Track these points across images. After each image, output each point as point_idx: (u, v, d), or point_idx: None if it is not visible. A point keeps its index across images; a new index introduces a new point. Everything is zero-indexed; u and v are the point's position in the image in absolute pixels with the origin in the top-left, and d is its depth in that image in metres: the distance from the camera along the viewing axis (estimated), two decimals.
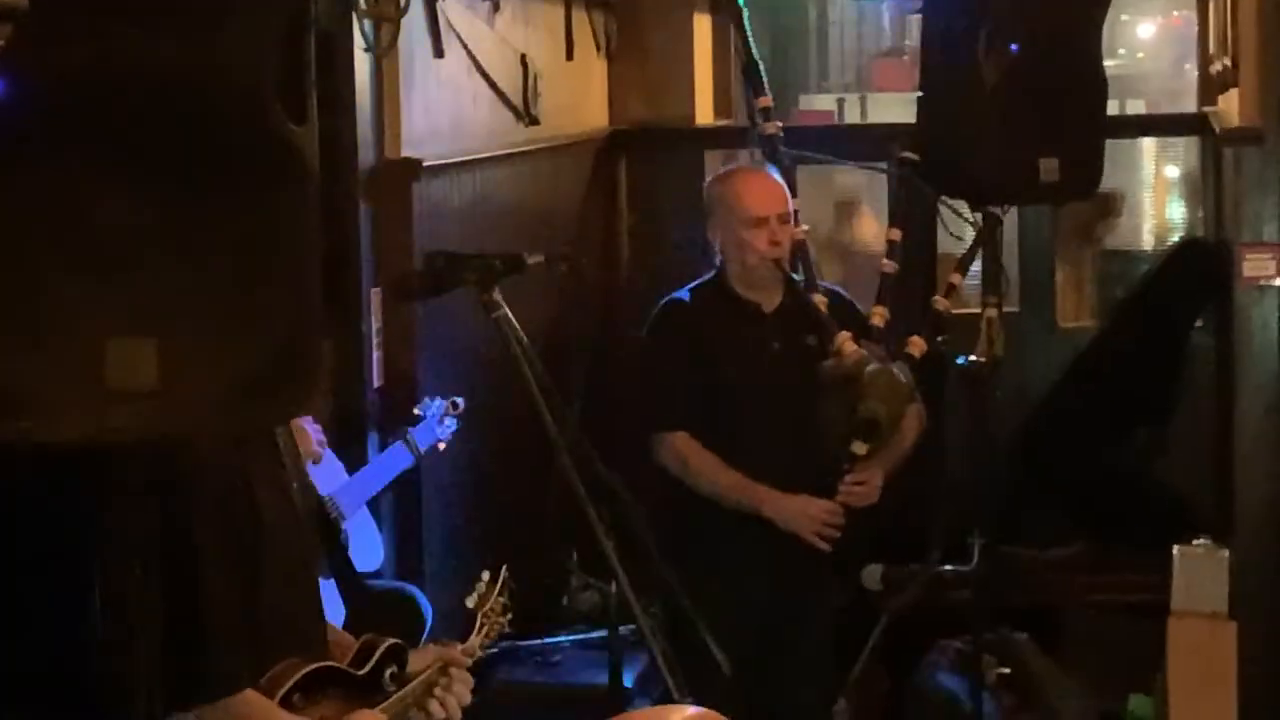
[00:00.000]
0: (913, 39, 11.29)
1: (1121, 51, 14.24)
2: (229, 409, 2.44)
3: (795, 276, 5.55)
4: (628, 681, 5.39)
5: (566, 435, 4.04)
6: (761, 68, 6.14)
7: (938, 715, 6.23)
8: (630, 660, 5.33)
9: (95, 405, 2.37)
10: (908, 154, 5.82)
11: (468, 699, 3.66)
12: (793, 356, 5.48)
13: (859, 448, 5.38)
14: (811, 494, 5.47)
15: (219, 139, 2.38)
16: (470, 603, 3.82)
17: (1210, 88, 7.43)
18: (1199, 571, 5.97)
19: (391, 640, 3.59)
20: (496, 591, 3.87)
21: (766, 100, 6.07)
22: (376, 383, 5.48)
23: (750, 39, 6.24)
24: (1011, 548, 6.68)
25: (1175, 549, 6.03)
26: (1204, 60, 7.71)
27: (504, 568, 3.89)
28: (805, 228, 5.74)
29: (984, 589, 6.04)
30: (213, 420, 2.44)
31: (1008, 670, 6.15)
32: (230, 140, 2.39)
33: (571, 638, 6.04)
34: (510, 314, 4.05)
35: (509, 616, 3.91)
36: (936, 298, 5.80)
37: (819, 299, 5.55)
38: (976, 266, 5.94)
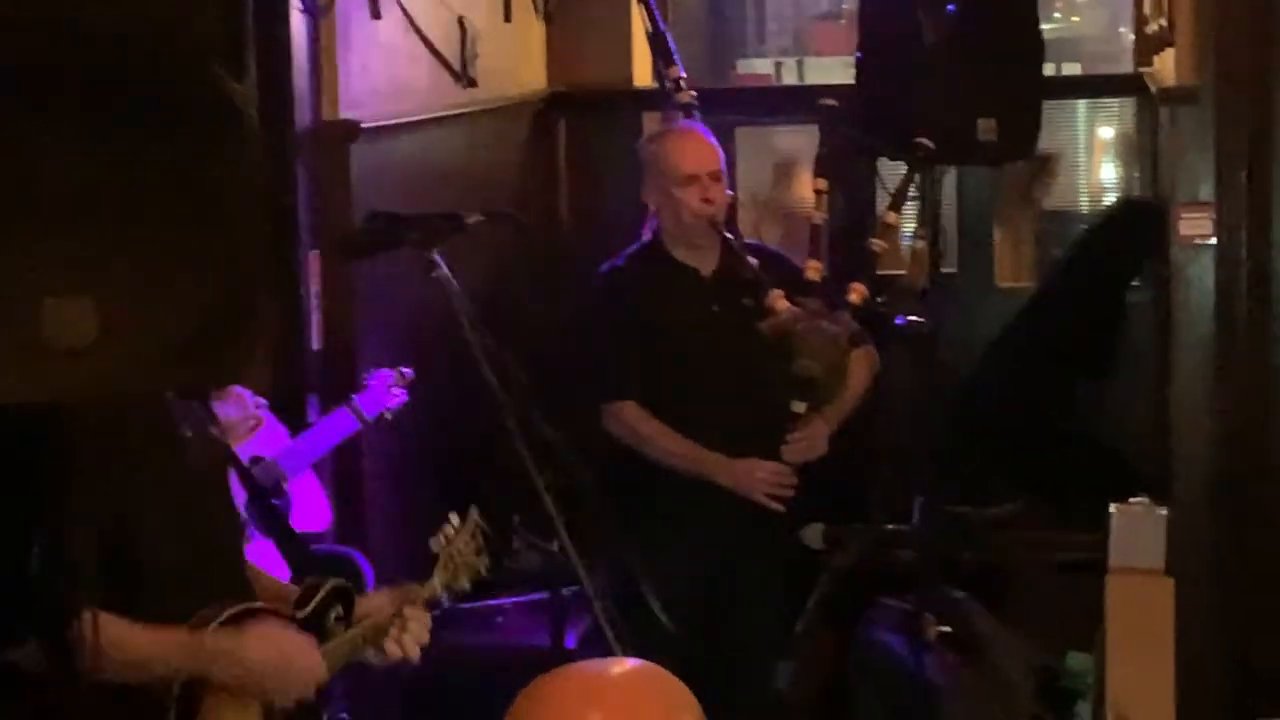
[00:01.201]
0: (850, 2, 11.27)
1: (1056, 15, 14.25)
2: (167, 367, 2.43)
3: (730, 236, 5.56)
4: (570, 643, 5.40)
5: (509, 395, 4.03)
6: (669, 38, 6.17)
7: (880, 673, 6.25)
8: (573, 622, 5.34)
9: (35, 365, 2.36)
10: (828, 100, 5.82)
11: (425, 639, 3.71)
12: (732, 318, 5.48)
13: (798, 406, 5.41)
14: (760, 455, 5.48)
15: (158, 96, 2.37)
16: (434, 545, 3.84)
17: (1146, 48, 7.45)
18: (1136, 529, 5.98)
19: (335, 581, 3.64)
20: (468, 533, 3.89)
21: (678, 70, 6.09)
22: (316, 346, 5.47)
23: (655, 11, 6.26)
24: (952, 506, 6.71)
25: (1113, 507, 6.04)
26: (1140, 21, 7.73)
27: (473, 509, 3.91)
28: (730, 192, 5.74)
29: (925, 547, 6.08)
30: (153, 377, 2.44)
31: (949, 628, 6.17)
32: (170, 97, 2.38)
33: (514, 599, 6.04)
34: (450, 274, 4.04)
35: (484, 559, 3.93)
36: (872, 240, 5.81)
37: (751, 259, 5.56)
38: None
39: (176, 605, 3.38)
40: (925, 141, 5.76)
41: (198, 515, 3.51)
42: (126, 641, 3.25)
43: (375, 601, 3.71)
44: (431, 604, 3.79)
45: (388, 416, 5.21)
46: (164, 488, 3.43)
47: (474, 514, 3.92)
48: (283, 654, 3.46)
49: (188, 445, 3.53)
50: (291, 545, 3.94)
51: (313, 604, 3.58)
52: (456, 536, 3.88)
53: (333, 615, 3.60)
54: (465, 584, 3.90)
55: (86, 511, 3.23)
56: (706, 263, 5.55)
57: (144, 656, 3.28)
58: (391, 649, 3.67)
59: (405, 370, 5.23)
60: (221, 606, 3.42)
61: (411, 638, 3.68)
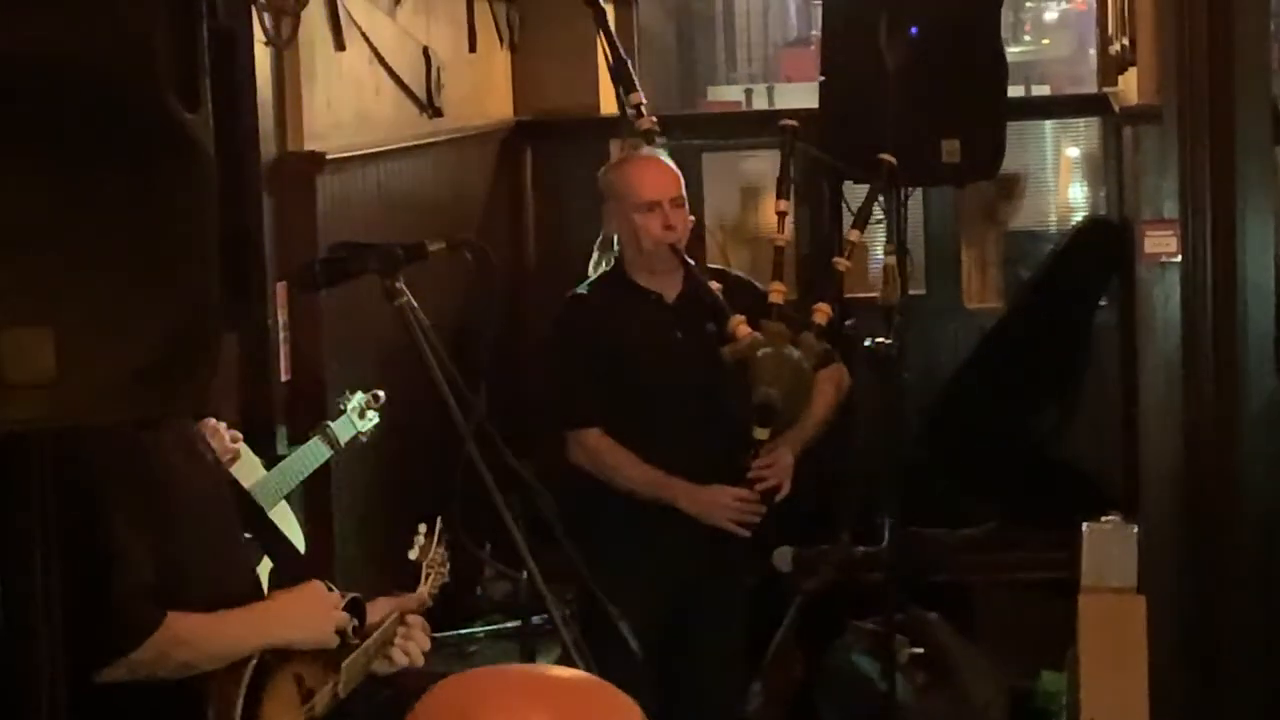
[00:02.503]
0: (818, 28, 11.33)
1: (1026, 38, 14.36)
2: (127, 397, 2.42)
3: (692, 262, 5.56)
4: None
5: (472, 423, 4.03)
6: (630, 65, 6.19)
7: (852, 696, 6.26)
8: (544, 649, 5.33)
9: None
10: (788, 121, 5.84)
11: (428, 644, 3.87)
12: (696, 344, 5.49)
13: (759, 433, 5.42)
14: (725, 481, 5.48)
15: (110, 125, 2.37)
16: (412, 555, 4.01)
17: (1110, 68, 7.49)
18: (1108, 547, 6.00)
19: (351, 595, 3.73)
20: (435, 543, 4.04)
21: (639, 97, 6.11)
22: (284, 377, 5.47)
23: (614, 39, 6.28)
24: (921, 528, 6.72)
25: (1084, 526, 6.06)
26: (1103, 41, 7.77)
27: (438, 519, 4.07)
28: (691, 217, 5.74)
29: (895, 569, 6.08)
30: (111, 409, 2.43)
31: (920, 650, 6.19)
32: (122, 126, 2.38)
33: (485, 628, 6.04)
34: (414, 302, 4.04)
35: (448, 567, 4.09)
36: (836, 259, 5.82)
37: (714, 283, 5.57)
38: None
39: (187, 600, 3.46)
40: (888, 158, 5.78)
41: (222, 535, 3.59)
42: (213, 631, 3.42)
43: (380, 611, 3.81)
44: (423, 611, 3.94)
45: (361, 439, 5.22)
46: (195, 507, 3.50)
47: (438, 524, 4.08)
48: (304, 596, 3.65)
49: (211, 469, 3.65)
50: (299, 565, 4.00)
51: None
52: (429, 546, 4.04)
53: (349, 628, 3.68)
54: (437, 590, 4.05)
55: (144, 530, 3.32)
56: (670, 288, 5.55)
57: (229, 639, 3.45)
58: (398, 656, 3.81)
59: (378, 393, 5.23)
60: None
61: (416, 645, 3.83)
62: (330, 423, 5.12)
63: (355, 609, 3.71)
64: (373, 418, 5.21)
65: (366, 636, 3.74)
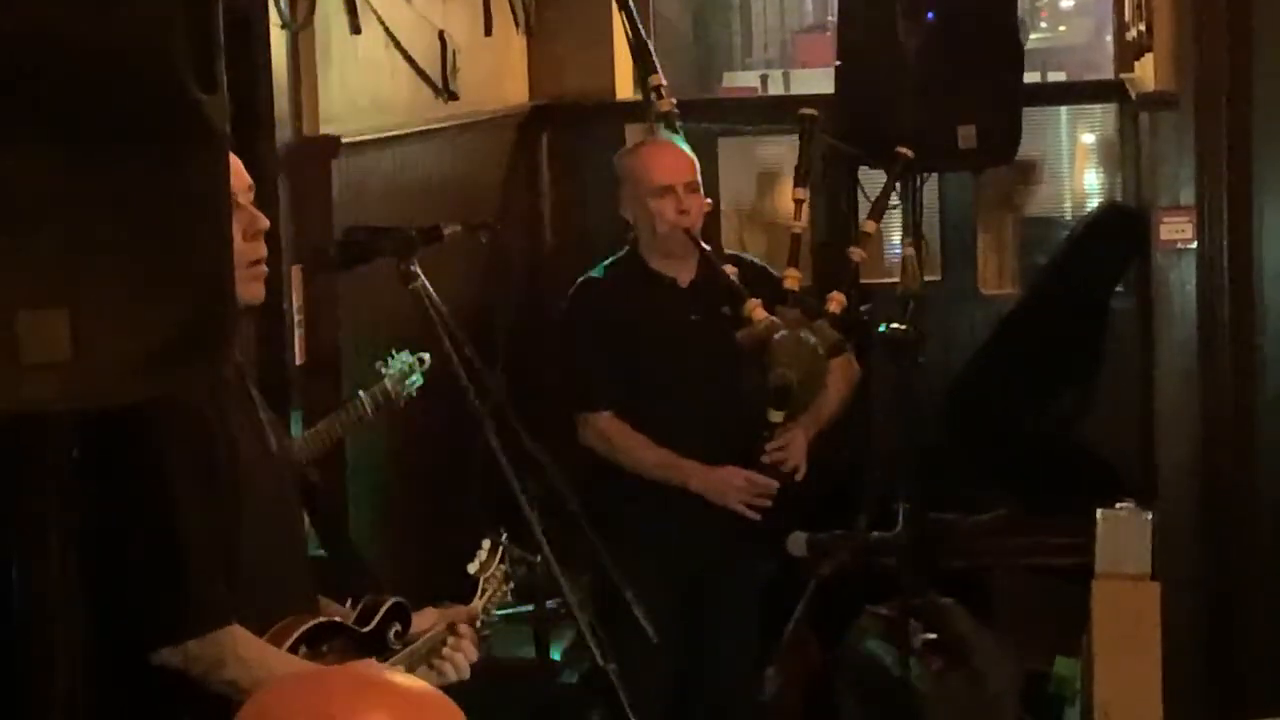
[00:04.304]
0: (835, 14, 11.31)
1: (1044, 25, 14.35)
2: (142, 378, 2.43)
3: (707, 247, 5.56)
4: (556, 654, 5.41)
5: (488, 407, 4.04)
6: (650, 46, 6.18)
7: (866, 681, 6.26)
8: (560, 632, 5.34)
9: (10, 378, 2.36)
10: (807, 110, 5.84)
11: (475, 657, 3.78)
12: (710, 328, 5.49)
13: (774, 415, 5.42)
14: (737, 465, 5.48)
15: (126, 107, 2.37)
16: (472, 569, 3.93)
17: (1126, 54, 7.47)
18: (1123, 534, 6.00)
19: (395, 599, 3.70)
20: (498, 559, 3.98)
21: (658, 78, 6.10)
22: (299, 360, 5.47)
23: (635, 19, 6.27)
24: (937, 513, 6.71)
25: (1099, 512, 6.06)
26: (1120, 26, 7.75)
27: (504, 536, 4.00)
28: (708, 200, 5.74)
29: (910, 554, 6.08)
30: (126, 389, 2.44)
31: (935, 635, 6.18)
32: (137, 108, 2.38)
33: (501, 612, 6.04)
34: (428, 284, 4.04)
35: (511, 585, 4.03)
36: (852, 249, 5.82)
37: (729, 268, 5.57)
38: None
39: (258, 609, 3.44)
40: (905, 151, 5.78)
41: (280, 523, 3.57)
42: (270, 666, 3.34)
43: (428, 619, 3.76)
44: (474, 625, 3.88)
45: (400, 405, 5.19)
46: (261, 514, 3.49)
47: (503, 540, 4.00)
48: None
49: (279, 462, 3.62)
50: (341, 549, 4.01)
51: (375, 621, 3.64)
52: (490, 561, 3.97)
53: (392, 632, 3.65)
54: (494, 609, 3.99)
55: (213, 524, 3.32)
56: (684, 273, 5.56)
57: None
58: (445, 668, 3.72)
59: (424, 355, 5.19)
60: (297, 620, 3.49)
61: (464, 656, 3.75)
62: (361, 392, 5.10)
63: (399, 614, 3.69)
64: (416, 381, 5.18)
65: (411, 643, 3.70)
